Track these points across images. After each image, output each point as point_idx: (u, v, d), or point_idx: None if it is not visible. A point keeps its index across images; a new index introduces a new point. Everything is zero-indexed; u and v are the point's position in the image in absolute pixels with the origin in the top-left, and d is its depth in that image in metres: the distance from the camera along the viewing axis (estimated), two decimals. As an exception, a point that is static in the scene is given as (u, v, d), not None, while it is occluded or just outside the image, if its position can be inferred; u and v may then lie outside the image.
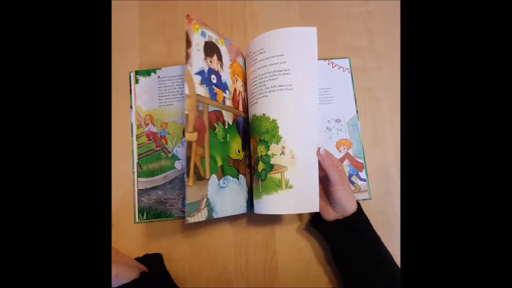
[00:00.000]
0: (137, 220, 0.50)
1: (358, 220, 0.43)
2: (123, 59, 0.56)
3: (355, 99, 0.55)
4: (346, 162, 0.52)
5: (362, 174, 0.52)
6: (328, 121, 0.54)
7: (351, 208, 0.43)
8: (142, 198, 0.51)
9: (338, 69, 0.56)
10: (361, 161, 0.53)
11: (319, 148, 0.42)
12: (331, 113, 0.54)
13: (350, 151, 0.53)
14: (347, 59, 0.56)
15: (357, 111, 0.54)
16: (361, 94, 0.55)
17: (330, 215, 0.44)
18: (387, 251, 0.43)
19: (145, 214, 0.50)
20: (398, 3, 0.57)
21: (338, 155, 0.53)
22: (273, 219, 0.51)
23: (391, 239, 0.48)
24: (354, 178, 0.52)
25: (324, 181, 0.44)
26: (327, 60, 0.56)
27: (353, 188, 0.52)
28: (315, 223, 0.48)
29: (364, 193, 0.52)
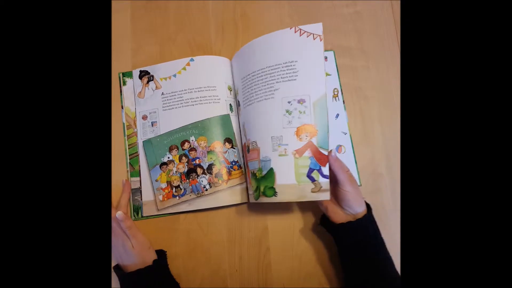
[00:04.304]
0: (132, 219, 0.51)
1: (369, 222, 0.43)
2: (115, 60, 0.56)
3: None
4: (307, 153, 0.42)
5: (325, 170, 0.42)
6: (289, 102, 0.43)
7: (359, 209, 0.43)
8: (136, 197, 0.51)
9: (308, 36, 0.43)
10: (326, 153, 0.42)
11: (330, 150, 0.42)
12: (294, 92, 0.43)
13: (314, 140, 0.42)
14: (332, 52, 0.56)
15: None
16: (350, 92, 0.55)
17: (339, 216, 0.44)
18: (388, 253, 0.43)
19: (139, 213, 0.51)
20: (386, 3, 0.58)
21: (298, 144, 0.43)
22: (266, 217, 0.52)
23: (382, 235, 0.49)
24: (315, 174, 0.42)
25: (333, 183, 0.43)
26: (293, 28, 0.44)
27: (312, 186, 0.42)
28: (324, 223, 0.47)
29: (326, 193, 0.41)
